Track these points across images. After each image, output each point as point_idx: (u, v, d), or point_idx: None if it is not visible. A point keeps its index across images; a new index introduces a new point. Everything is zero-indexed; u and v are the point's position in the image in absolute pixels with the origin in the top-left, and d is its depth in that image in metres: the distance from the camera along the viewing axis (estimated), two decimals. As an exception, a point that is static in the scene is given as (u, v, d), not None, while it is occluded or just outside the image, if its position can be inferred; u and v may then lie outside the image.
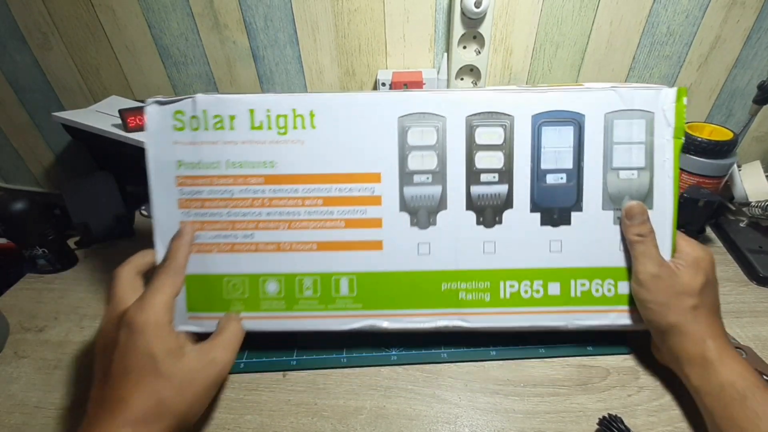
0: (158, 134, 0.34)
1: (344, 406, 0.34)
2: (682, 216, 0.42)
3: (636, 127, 0.34)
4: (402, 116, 0.34)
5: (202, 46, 0.56)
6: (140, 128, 0.46)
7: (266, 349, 0.38)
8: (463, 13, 0.50)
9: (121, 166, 0.57)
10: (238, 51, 0.57)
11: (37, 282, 0.49)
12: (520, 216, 0.35)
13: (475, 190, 0.35)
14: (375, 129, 0.34)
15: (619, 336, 0.38)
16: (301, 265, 0.35)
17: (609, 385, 0.35)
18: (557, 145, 0.34)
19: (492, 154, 0.34)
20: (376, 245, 0.35)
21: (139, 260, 0.33)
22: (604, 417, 0.31)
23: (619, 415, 0.31)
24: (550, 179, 0.35)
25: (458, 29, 0.51)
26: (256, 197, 0.34)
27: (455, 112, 0.34)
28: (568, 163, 0.34)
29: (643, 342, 0.38)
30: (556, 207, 0.35)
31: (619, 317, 0.35)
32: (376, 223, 0.35)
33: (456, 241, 0.35)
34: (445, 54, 0.55)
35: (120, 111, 0.45)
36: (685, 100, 0.33)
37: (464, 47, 0.54)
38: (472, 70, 0.55)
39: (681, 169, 0.47)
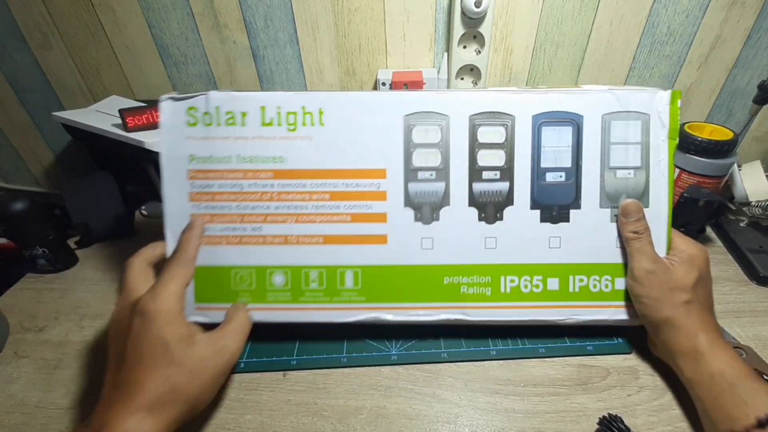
0: (172, 129, 0.35)
1: (344, 406, 0.34)
2: (682, 216, 0.42)
3: (632, 128, 0.35)
4: (407, 115, 0.35)
5: (202, 46, 0.56)
6: (140, 128, 0.46)
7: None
8: (463, 12, 0.50)
9: (121, 166, 0.57)
10: (238, 50, 0.57)
11: (37, 282, 0.49)
12: (521, 213, 0.36)
13: (477, 187, 0.36)
14: (381, 127, 0.35)
15: (616, 330, 0.39)
16: (307, 258, 0.36)
17: (609, 385, 0.35)
18: (557, 144, 0.35)
19: (494, 153, 0.35)
20: (381, 239, 0.36)
21: (149, 252, 0.34)
22: (604, 417, 0.31)
23: (619, 415, 0.31)
24: (550, 177, 0.35)
25: (458, 29, 0.51)
26: (265, 191, 0.35)
27: (459, 112, 0.35)
28: (567, 162, 0.35)
29: (643, 342, 0.38)
30: (555, 204, 0.36)
31: (616, 312, 0.36)
32: (381, 217, 0.36)
33: (458, 237, 0.36)
34: (445, 54, 0.55)
35: (120, 111, 0.45)
36: (679, 102, 0.34)
37: (464, 47, 0.54)
38: (472, 69, 0.55)
39: (681, 169, 0.48)
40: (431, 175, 0.35)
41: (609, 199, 0.35)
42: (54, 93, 0.61)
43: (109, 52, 0.57)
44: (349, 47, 0.56)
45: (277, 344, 0.39)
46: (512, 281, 0.36)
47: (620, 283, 0.36)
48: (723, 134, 0.47)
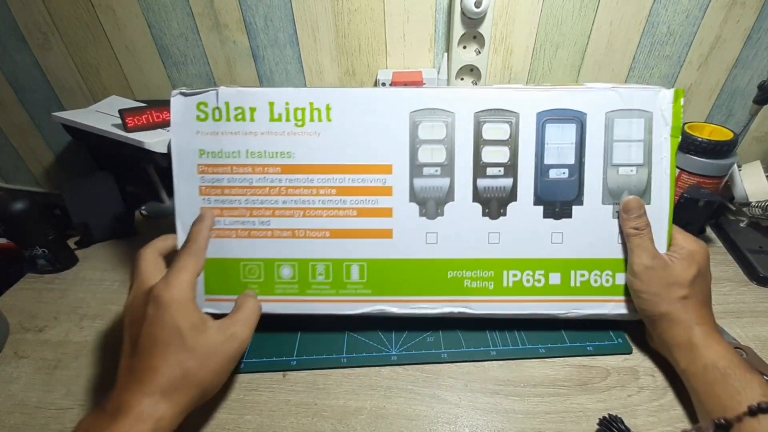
0: (182, 124, 0.36)
1: (344, 407, 0.34)
2: (682, 216, 0.42)
3: (635, 126, 0.35)
4: (414, 111, 0.36)
5: (202, 46, 0.56)
6: (140, 128, 0.46)
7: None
8: (463, 13, 0.50)
9: (121, 166, 0.57)
10: (238, 51, 0.57)
11: (37, 282, 0.49)
12: (524, 208, 0.36)
13: (482, 183, 0.36)
14: (388, 123, 0.36)
15: (616, 327, 0.39)
16: (314, 251, 0.36)
17: (609, 385, 0.35)
18: (560, 141, 0.36)
19: (498, 149, 0.36)
20: (387, 234, 0.36)
21: (160, 243, 0.35)
22: (604, 417, 0.31)
23: (619, 416, 0.31)
24: (553, 174, 0.36)
25: (458, 29, 0.51)
26: (273, 186, 0.36)
27: (464, 109, 0.36)
28: (570, 159, 0.36)
29: (643, 343, 0.38)
30: (558, 200, 0.36)
31: (616, 307, 0.37)
32: (387, 212, 0.36)
33: (462, 232, 0.36)
34: (445, 54, 0.55)
35: (120, 111, 0.45)
36: (682, 100, 0.35)
37: (464, 47, 0.53)
38: (472, 70, 0.55)
39: (681, 169, 0.48)
40: (436, 170, 0.36)
41: (611, 195, 0.36)
42: (54, 93, 0.61)
43: (109, 52, 0.57)
44: (349, 47, 0.56)
45: (277, 344, 0.39)
46: (515, 276, 0.37)
47: (621, 278, 0.36)
48: (723, 134, 0.47)
